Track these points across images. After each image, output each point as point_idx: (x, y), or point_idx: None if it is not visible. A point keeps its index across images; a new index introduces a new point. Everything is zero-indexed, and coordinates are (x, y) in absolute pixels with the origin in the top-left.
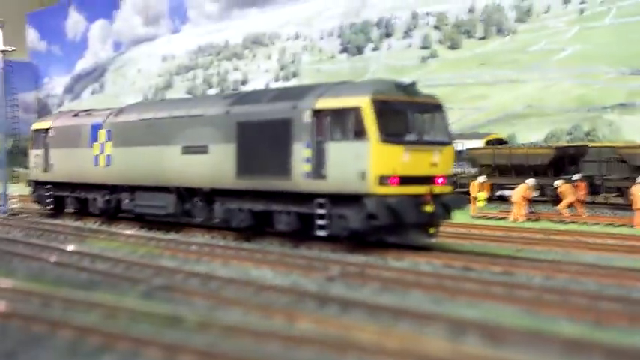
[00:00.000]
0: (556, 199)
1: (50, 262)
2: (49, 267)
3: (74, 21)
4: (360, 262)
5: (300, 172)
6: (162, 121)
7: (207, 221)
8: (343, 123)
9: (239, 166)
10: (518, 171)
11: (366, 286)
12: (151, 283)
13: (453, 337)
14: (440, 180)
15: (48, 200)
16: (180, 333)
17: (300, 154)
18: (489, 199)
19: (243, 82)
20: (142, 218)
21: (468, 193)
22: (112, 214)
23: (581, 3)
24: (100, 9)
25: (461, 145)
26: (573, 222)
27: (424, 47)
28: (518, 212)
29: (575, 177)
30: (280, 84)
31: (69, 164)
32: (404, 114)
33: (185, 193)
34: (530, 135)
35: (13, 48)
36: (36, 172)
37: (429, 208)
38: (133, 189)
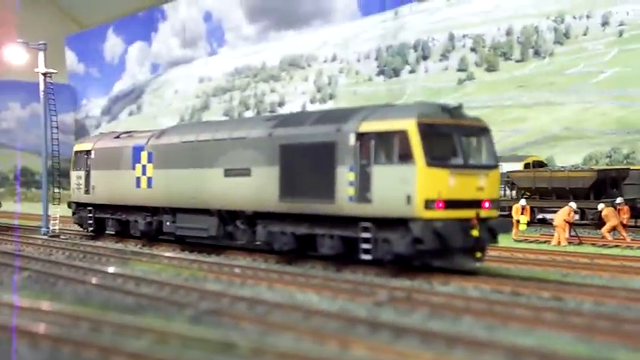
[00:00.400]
0: (597, 223)
1: (94, 284)
2: (95, 290)
3: (112, 43)
4: (406, 286)
5: (344, 196)
6: (204, 143)
7: (249, 244)
8: (388, 146)
9: (282, 189)
10: (558, 194)
11: (415, 312)
12: (199, 308)
13: None
14: (486, 204)
15: (89, 222)
16: None
17: (344, 177)
18: (530, 222)
19: (280, 104)
20: (183, 240)
21: (507, 216)
22: (153, 236)
23: (620, 25)
24: (137, 31)
25: (500, 167)
26: (617, 246)
27: (461, 69)
28: (560, 236)
29: (618, 200)
30: (317, 106)
31: (110, 186)
32: (450, 137)
33: (227, 216)
34: (568, 157)
35: (55, 71)
36: (77, 194)
37: (475, 232)
38: (174, 211)
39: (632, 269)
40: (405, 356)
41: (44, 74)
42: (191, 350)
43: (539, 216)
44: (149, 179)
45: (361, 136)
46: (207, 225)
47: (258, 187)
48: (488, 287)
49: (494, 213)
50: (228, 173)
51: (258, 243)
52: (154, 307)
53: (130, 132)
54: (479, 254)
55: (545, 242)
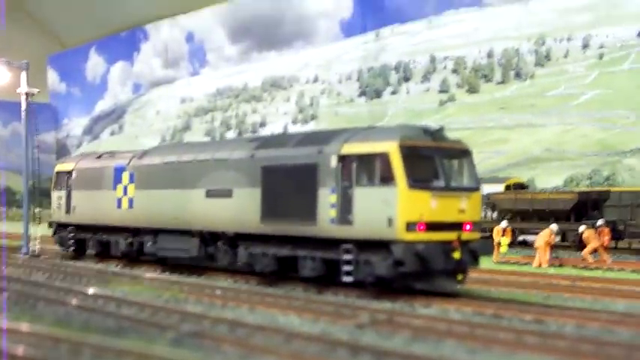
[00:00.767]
0: (578, 245)
1: (74, 305)
2: (75, 312)
3: (94, 63)
4: (388, 309)
5: (325, 218)
6: (186, 164)
7: (231, 265)
8: (370, 168)
9: (264, 211)
10: (540, 216)
11: (396, 335)
12: (180, 330)
13: None
14: (468, 226)
15: (70, 242)
16: None
17: (326, 199)
18: (511, 244)
19: (262, 125)
20: (164, 261)
21: (489, 238)
22: (134, 257)
23: (600, 48)
24: (120, 51)
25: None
26: (598, 268)
27: (442, 91)
28: (542, 258)
29: (599, 222)
30: (299, 127)
31: (91, 206)
32: (431, 159)
33: (208, 237)
34: (549, 179)
35: (37, 90)
36: (58, 214)
37: (456, 255)
38: (155, 232)
39: (613, 291)
40: None
41: (26, 94)
42: None
43: (520, 238)
44: (130, 200)
45: (343, 158)
46: (188, 246)
47: (240, 209)
48: (470, 310)
49: (476, 235)
50: (210, 194)
51: (239, 264)
52: (135, 330)
53: (111, 152)
54: (460, 276)
55: (526, 264)
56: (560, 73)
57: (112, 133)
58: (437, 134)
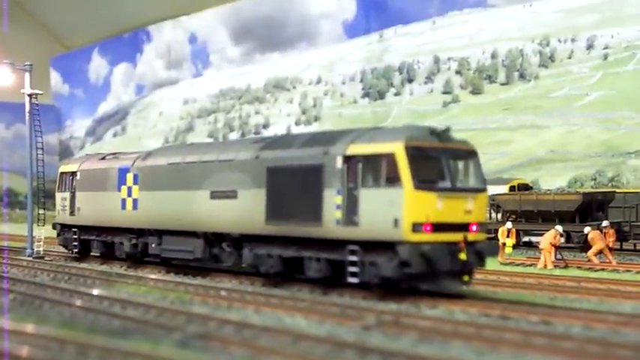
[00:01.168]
0: (583, 246)
1: (80, 306)
2: (81, 313)
3: (97, 64)
4: (394, 310)
5: (331, 219)
6: (190, 165)
7: (236, 266)
8: (376, 169)
9: (269, 212)
10: (544, 217)
11: (403, 336)
12: (186, 332)
13: None
14: (474, 227)
15: (74, 243)
16: None
17: (332, 200)
18: (515, 245)
19: (265, 126)
20: (168, 262)
21: (493, 239)
22: (138, 258)
23: (605, 48)
24: (122, 53)
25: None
26: (603, 269)
27: (446, 92)
28: (547, 259)
29: (604, 223)
30: (302, 128)
31: (96, 207)
32: (438, 160)
33: (213, 238)
34: (553, 180)
35: (41, 92)
36: (62, 215)
37: (462, 256)
38: (160, 233)
39: (619, 293)
40: None
41: (30, 95)
42: None
43: (525, 239)
44: (135, 201)
45: (349, 159)
46: (193, 247)
47: (245, 210)
48: (476, 311)
49: (482, 236)
50: (215, 195)
51: (244, 265)
52: (141, 331)
53: (115, 153)
54: (466, 277)
55: (531, 265)
56: (564, 74)
57: (115, 135)
58: (443, 135)
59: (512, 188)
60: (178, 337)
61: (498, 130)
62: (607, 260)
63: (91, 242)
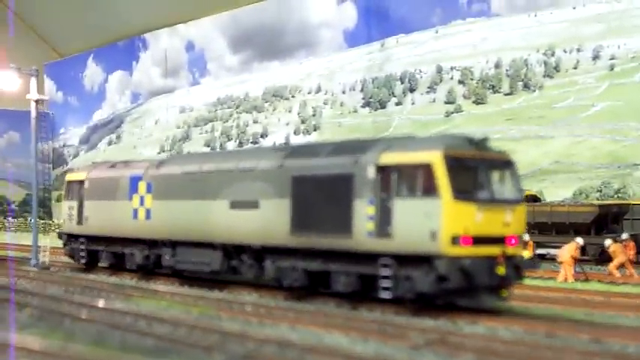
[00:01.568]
0: (598, 258)
1: (104, 322)
2: (107, 329)
3: (92, 72)
4: (432, 326)
5: (362, 230)
6: (208, 174)
7: (256, 279)
8: (412, 179)
9: (294, 223)
10: (558, 229)
11: (457, 357)
12: (227, 352)
13: None
14: (512, 240)
15: (81, 254)
16: None
17: (363, 211)
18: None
19: (263, 135)
20: (181, 274)
21: None
22: (150, 270)
23: (611, 59)
24: (118, 60)
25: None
26: (625, 283)
27: (449, 102)
28: (567, 272)
29: (624, 236)
30: (301, 138)
31: (105, 217)
32: (476, 170)
33: (232, 250)
34: (558, 192)
35: (47, 97)
36: (69, 225)
37: (501, 270)
38: (174, 244)
39: None
40: None
41: (36, 101)
42: None
43: (538, 251)
44: (148, 210)
45: (381, 169)
46: (210, 259)
47: (267, 221)
48: (519, 328)
49: (520, 250)
50: (235, 205)
51: (266, 278)
52: (176, 350)
53: (126, 161)
54: (504, 293)
55: (549, 278)
56: (569, 85)
57: (110, 143)
58: (481, 144)
59: None
60: (221, 358)
61: (502, 141)
62: (629, 273)
63: (99, 253)
